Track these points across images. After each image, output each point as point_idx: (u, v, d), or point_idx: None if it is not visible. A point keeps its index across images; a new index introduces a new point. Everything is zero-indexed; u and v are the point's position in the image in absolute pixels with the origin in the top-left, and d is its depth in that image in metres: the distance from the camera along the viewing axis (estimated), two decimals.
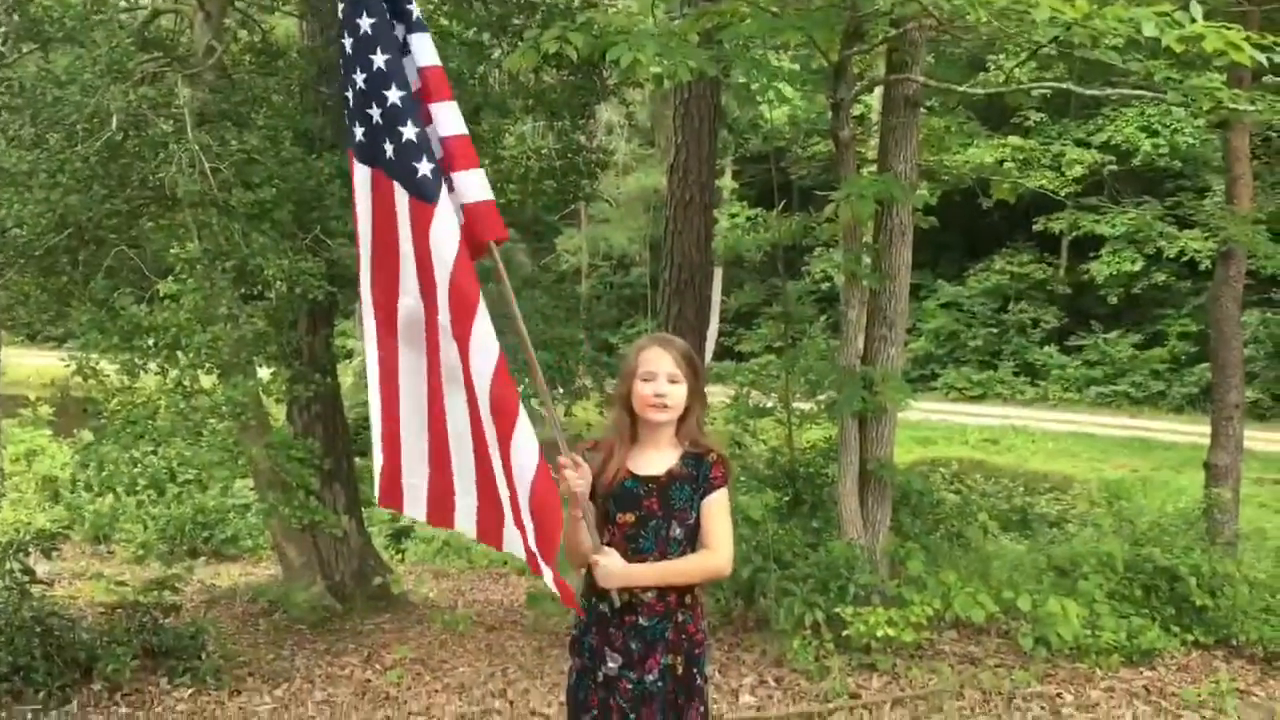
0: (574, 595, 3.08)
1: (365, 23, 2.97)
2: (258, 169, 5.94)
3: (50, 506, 11.38)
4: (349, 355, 19.33)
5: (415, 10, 3.09)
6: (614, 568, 3.02)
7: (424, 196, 2.92)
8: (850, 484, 6.68)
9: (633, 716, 3.07)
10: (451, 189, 3.03)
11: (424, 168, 2.92)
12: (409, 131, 2.93)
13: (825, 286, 24.19)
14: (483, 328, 2.89)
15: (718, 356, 24.91)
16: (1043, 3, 4.65)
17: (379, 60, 2.96)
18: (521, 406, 2.92)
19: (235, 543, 10.60)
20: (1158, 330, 25.48)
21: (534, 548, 2.93)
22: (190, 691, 5.91)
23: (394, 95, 2.94)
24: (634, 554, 3.05)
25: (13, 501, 11.52)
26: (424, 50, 3.07)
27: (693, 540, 3.10)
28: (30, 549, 6.24)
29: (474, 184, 3.06)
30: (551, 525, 2.90)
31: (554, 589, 2.97)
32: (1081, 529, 9.14)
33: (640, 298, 29.53)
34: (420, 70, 3.07)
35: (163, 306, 5.85)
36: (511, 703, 5.84)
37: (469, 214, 3.04)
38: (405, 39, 3.07)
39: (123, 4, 7.45)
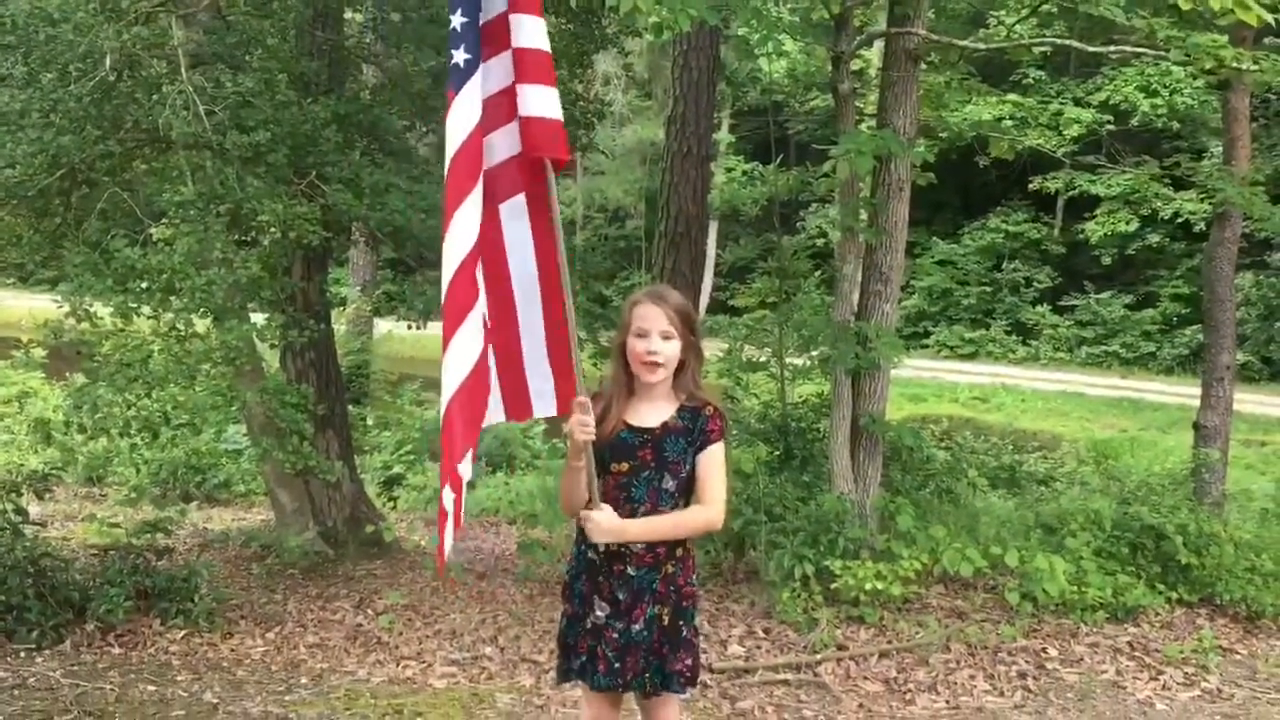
0: (444, 554, 3.01)
1: None
2: (252, 112, 5.88)
3: (43, 448, 11.39)
4: (342, 302, 19.29)
5: None
6: (604, 523, 3.01)
7: (453, 83, 3.01)
8: (842, 439, 6.72)
9: (618, 665, 3.09)
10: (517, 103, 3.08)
11: (458, 56, 3.01)
12: (455, 20, 3.02)
13: (820, 242, 24.18)
14: (465, 218, 2.94)
15: (712, 310, 24.90)
16: None
17: None
18: (468, 331, 2.93)
19: (228, 487, 10.63)
20: (1150, 291, 25.54)
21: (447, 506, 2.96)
22: (183, 633, 5.96)
23: None
24: (626, 503, 3.05)
25: (5, 443, 11.53)
26: None
27: (685, 493, 3.10)
28: (23, 490, 6.26)
29: (541, 99, 3.08)
30: (448, 460, 2.92)
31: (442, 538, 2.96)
32: (1069, 487, 9.20)
33: (635, 250, 29.46)
34: None
35: (156, 250, 5.81)
36: (502, 649, 5.89)
37: (526, 126, 3.08)
38: None
39: None
